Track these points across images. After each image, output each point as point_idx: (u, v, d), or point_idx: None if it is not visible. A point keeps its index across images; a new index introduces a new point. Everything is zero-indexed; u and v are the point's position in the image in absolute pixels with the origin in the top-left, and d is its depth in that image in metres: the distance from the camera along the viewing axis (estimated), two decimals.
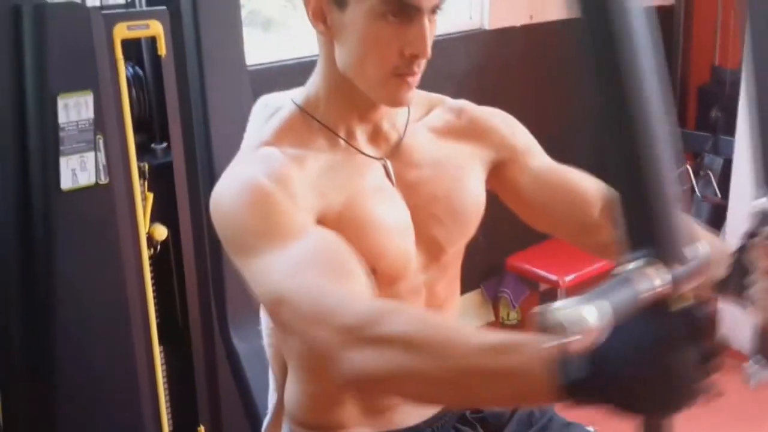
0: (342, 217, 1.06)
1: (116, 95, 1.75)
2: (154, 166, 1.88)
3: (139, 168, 1.82)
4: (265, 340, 1.31)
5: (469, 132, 1.22)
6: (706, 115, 3.36)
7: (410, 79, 1.05)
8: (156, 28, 1.77)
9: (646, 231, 0.73)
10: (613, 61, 0.73)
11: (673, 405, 0.72)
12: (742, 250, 0.94)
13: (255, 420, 1.56)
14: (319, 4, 1.05)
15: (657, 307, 0.72)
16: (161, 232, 1.89)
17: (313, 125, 1.12)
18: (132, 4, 1.85)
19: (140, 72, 1.82)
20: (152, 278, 1.88)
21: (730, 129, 3.06)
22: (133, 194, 1.81)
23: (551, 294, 2.85)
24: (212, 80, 1.51)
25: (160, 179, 1.89)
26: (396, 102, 1.08)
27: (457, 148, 1.20)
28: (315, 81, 1.13)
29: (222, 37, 1.48)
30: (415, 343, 0.82)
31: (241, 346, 1.64)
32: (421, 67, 1.05)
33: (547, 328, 0.68)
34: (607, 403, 0.72)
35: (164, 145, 1.90)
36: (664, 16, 3.61)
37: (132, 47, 1.81)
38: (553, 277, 2.73)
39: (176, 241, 1.92)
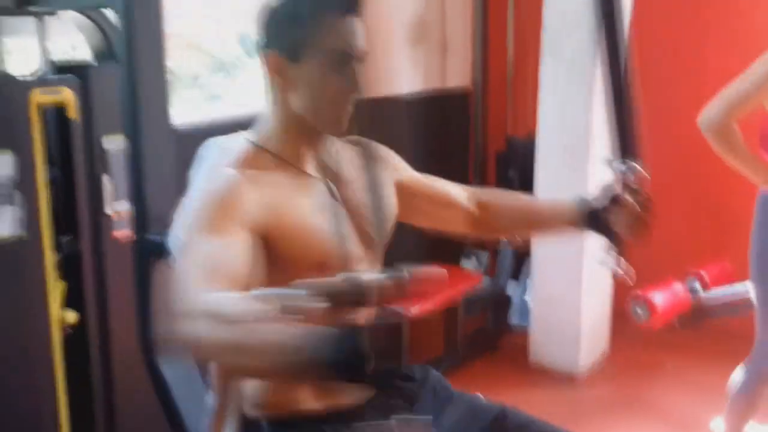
0: (295, 226, 1.37)
1: (31, 154, 1.92)
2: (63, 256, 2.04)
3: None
4: None
5: (372, 159, 1.59)
6: (504, 175, 3.96)
7: (347, 113, 1.41)
8: (67, 95, 1.98)
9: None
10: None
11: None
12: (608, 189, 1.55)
13: None
14: (276, 60, 1.38)
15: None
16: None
17: (265, 156, 1.43)
18: (44, 75, 2.04)
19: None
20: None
21: (525, 185, 3.64)
22: (42, 247, 1.97)
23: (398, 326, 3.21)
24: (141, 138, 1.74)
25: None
26: (339, 131, 1.44)
27: (369, 171, 1.56)
28: (268, 121, 1.45)
29: (150, 96, 1.72)
30: (219, 313, 1.08)
31: (166, 369, 1.83)
32: (354, 102, 1.41)
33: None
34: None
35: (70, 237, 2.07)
36: (463, 97, 4.24)
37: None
38: (400, 310, 3.10)
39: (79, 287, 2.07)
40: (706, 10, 3.71)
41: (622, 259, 1.58)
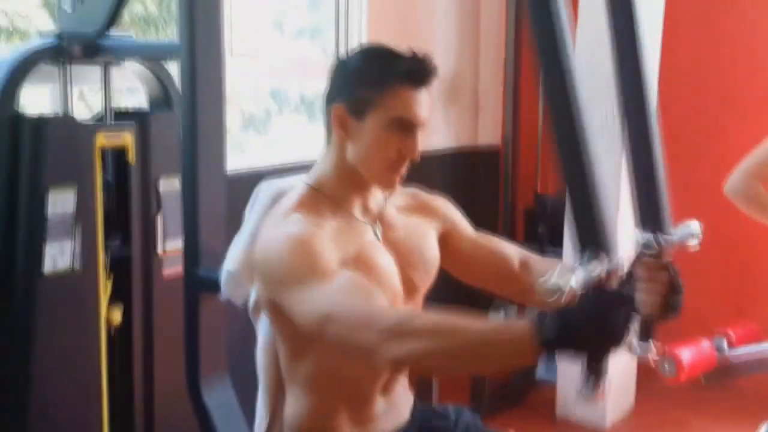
0: (354, 261, 1.46)
1: (92, 192, 2.05)
2: (112, 257, 2.16)
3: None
4: (261, 375, 1.65)
5: (422, 209, 1.69)
6: (533, 232, 4.04)
7: (401, 173, 1.52)
8: (126, 139, 2.12)
9: (593, 237, 1.20)
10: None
11: (609, 348, 1.18)
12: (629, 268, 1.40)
13: None
14: (341, 113, 1.50)
15: (598, 287, 1.19)
16: (117, 315, 2.15)
17: (322, 199, 1.53)
18: (102, 119, 2.19)
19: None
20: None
21: (554, 241, 3.72)
22: (98, 280, 2.08)
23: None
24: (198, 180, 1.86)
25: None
26: (389, 187, 1.55)
27: (416, 220, 1.66)
28: (324, 167, 1.56)
29: (208, 142, 1.85)
30: (439, 331, 1.24)
31: (210, 400, 1.91)
32: (408, 164, 1.51)
33: (546, 290, 1.13)
34: (570, 350, 1.17)
35: (117, 242, 2.19)
36: (493, 154, 4.36)
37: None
38: None
39: (129, 322, 2.18)
40: (732, 68, 3.82)
41: (651, 342, 1.37)
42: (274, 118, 3.64)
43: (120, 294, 2.15)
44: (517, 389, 3.89)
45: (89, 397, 2.06)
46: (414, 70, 1.47)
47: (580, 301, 1.17)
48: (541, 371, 3.82)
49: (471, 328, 1.23)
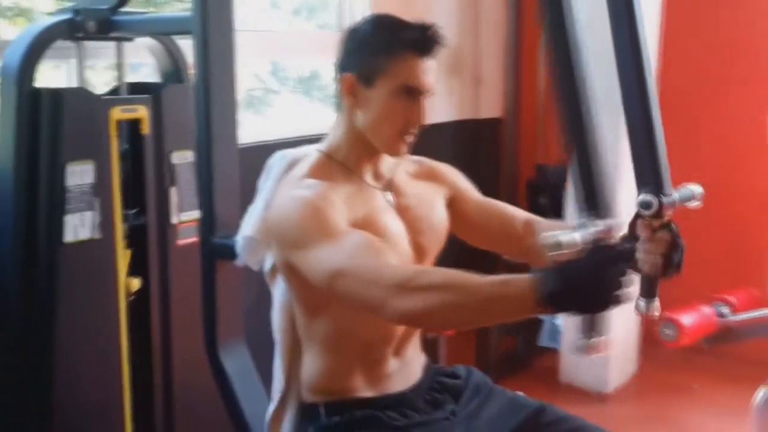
0: (364, 224, 1.52)
1: (109, 165, 2.11)
2: (129, 227, 2.22)
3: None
4: (277, 337, 1.71)
5: (429, 176, 1.75)
6: (535, 203, 4.10)
7: (409, 140, 1.57)
8: (142, 112, 2.17)
9: (594, 197, 1.28)
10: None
11: (607, 304, 1.25)
12: (630, 226, 1.41)
13: (244, 429, 1.92)
14: (351, 81, 1.55)
15: (597, 244, 1.26)
16: (135, 283, 2.22)
17: (334, 166, 1.59)
18: (116, 92, 2.24)
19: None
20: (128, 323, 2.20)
21: (556, 212, 3.78)
22: (116, 249, 2.15)
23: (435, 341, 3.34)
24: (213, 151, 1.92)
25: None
26: (397, 154, 1.60)
27: (425, 186, 1.72)
28: (335, 135, 1.62)
29: (221, 114, 1.91)
30: (446, 285, 1.31)
31: (228, 364, 1.98)
32: (416, 131, 1.57)
33: (548, 245, 1.20)
34: (570, 304, 1.23)
35: (135, 210, 2.25)
36: (495, 126, 4.40)
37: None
38: None
39: (147, 290, 2.25)
40: (732, 32, 3.86)
41: (651, 300, 1.38)
42: (273, 97, 3.66)
43: (137, 262, 2.21)
44: (522, 356, 3.98)
45: (110, 361, 2.14)
46: (422, 39, 1.53)
47: (579, 257, 1.24)
48: (545, 338, 3.90)
49: (477, 283, 1.30)
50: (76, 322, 2.06)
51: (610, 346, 1.34)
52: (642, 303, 1.37)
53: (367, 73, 1.53)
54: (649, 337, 3.42)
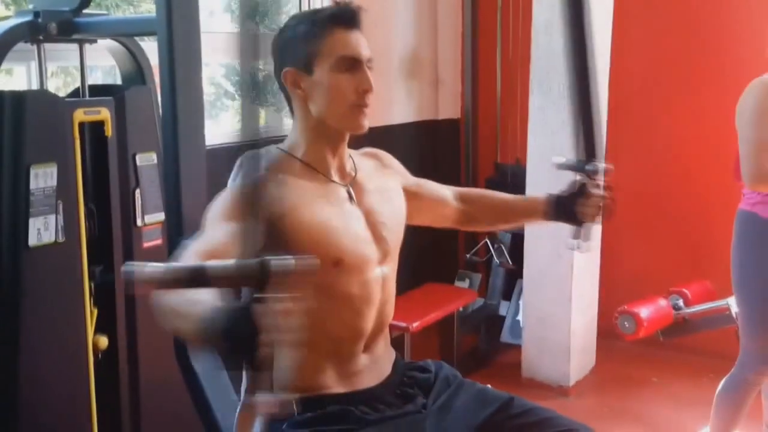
0: (312, 224, 1.54)
1: (72, 167, 2.09)
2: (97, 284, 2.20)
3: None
4: None
5: (384, 167, 1.80)
6: None
7: (365, 110, 1.59)
8: (105, 114, 2.16)
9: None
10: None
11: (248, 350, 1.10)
12: (579, 185, 1.77)
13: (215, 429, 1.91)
14: (294, 75, 1.58)
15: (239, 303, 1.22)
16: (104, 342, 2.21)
17: (294, 162, 1.61)
18: (76, 94, 2.22)
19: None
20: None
21: None
22: (80, 251, 2.13)
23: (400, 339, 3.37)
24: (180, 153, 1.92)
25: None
26: (358, 127, 1.60)
27: (383, 179, 1.76)
28: (294, 136, 1.63)
29: (187, 116, 1.91)
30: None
31: (197, 365, 1.98)
32: (370, 100, 1.59)
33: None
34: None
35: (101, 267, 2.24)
36: (454, 126, 4.46)
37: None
38: (403, 324, 3.28)
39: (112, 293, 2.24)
40: (687, 18, 3.96)
41: (586, 241, 1.81)
42: (227, 101, 3.65)
43: (102, 264, 2.20)
44: (484, 352, 4.03)
45: (75, 360, 2.12)
46: (340, 12, 1.59)
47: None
48: (506, 334, 3.96)
49: (200, 308, 1.18)
50: (41, 325, 2.04)
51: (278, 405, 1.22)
52: (582, 244, 1.80)
53: (304, 62, 1.57)
54: (607, 330, 3.49)
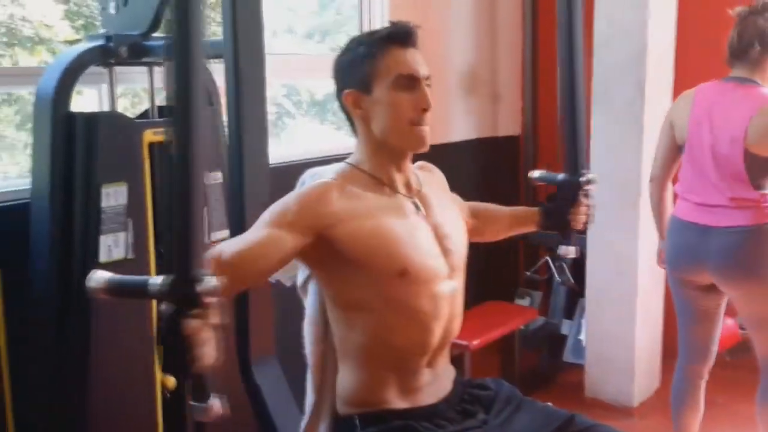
0: (379, 235, 1.56)
1: (142, 186, 2.16)
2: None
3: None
4: (309, 349, 1.75)
5: (441, 185, 1.83)
6: None
7: (425, 128, 1.61)
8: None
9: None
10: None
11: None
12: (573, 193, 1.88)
13: None
14: (352, 96, 1.61)
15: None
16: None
17: (362, 175, 1.64)
18: (145, 115, 2.30)
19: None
20: None
21: None
22: (149, 268, 2.19)
23: (460, 357, 3.36)
24: (245, 174, 1.97)
25: None
26: (419, 146, 1.62)
27: (443, 196, 1.79)
28: (359, 154, 1.66)
29: (251, 138, 1.97)
30: None
31: (261, 381, 2.02)
32: (429, 119, 1.61)
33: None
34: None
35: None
36: (513, 144, 4.45)
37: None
38: (463, 342, 3.28)
39: None
40: None
41: (573, 247, 1.95)
42: (287, 120, 3.72)
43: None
44: (546, 371, 3.99)
45: (145, 375, 2.17)
46: (396, 32, 1.61)
47: None
48: (569, 354, 3.91)
49: None
50: (110, 341, 2.10)
51: (221, 411, 1.28)
52: (570, 248, 1.93)
53: (363, 82, 1.60)
54: (673, 350, 3.41)
